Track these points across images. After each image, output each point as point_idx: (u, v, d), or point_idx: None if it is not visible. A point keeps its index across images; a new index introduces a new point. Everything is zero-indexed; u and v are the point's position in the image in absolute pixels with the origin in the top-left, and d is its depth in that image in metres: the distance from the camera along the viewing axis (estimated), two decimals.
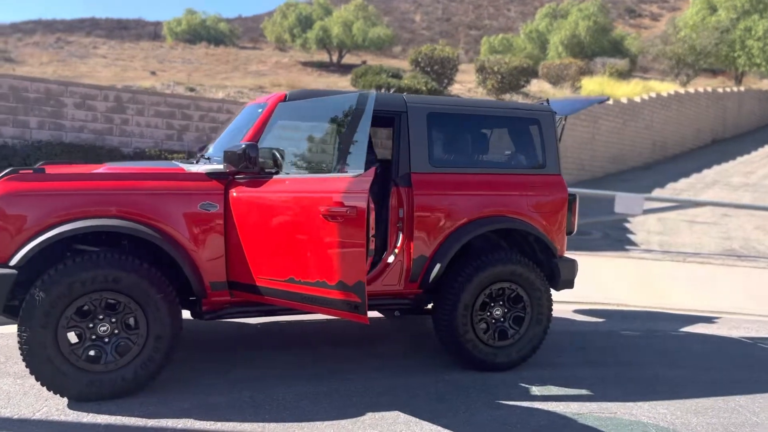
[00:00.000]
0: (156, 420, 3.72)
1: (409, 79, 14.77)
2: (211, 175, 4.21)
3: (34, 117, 8.82)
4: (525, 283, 4.86)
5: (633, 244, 11.92)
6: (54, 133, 8.93)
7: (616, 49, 35.49)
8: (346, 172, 3.72)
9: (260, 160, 4.16)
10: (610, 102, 7.11)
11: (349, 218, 3.57)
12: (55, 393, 3.83)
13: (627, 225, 13.13)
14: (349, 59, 41.57)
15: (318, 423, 3.79)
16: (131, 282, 3.87)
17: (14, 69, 30.78)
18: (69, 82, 9.66)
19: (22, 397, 3.95)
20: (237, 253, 4.14)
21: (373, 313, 5.29)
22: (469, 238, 4.73)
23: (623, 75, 22.99)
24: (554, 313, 6.82)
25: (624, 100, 19.81)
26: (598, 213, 12.55)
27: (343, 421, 3.84)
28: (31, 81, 8.97)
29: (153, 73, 33.74)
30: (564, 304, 7.40)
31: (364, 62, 34.69)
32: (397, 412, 4.02)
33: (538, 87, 20.42)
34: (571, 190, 5.33)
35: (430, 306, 4.91)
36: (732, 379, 5.06)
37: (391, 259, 4.66)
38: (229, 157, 4.09)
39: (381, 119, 4.95)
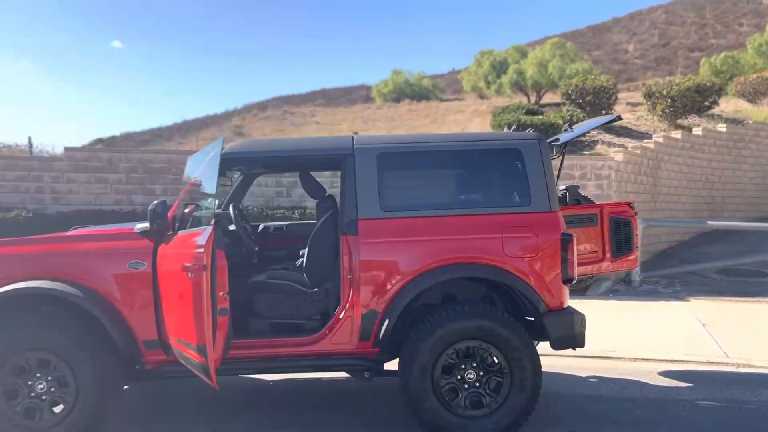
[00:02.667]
0: None
1: (553, 113, 13.82)
2: (144, 234, 4.27)
3: (159, 185, 9.90)
4: (498, 342, 4.10)
5: None
6: (177, 198, 9.89)
7: None
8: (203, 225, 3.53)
9: (197, 215, 4.13)
10: (621, 120, 5.70)
11: (197, 274, 3.35)
12: None
13: None
14: (550, 98, 40.36)
15: None
16: (57, 341, 4.03)
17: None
18: (187, 151, 10.69)
19: None
20: (162, 312, 4.11)
21: (341, 374, 4.85)
22: (421, 290, 4.16)
23: None
24: (631, 375, 5.73)
25: None
26: None
27: None
28: (155, 153, 10.13)
29: (355, 133, 36.01)
30: (651, 362, 6.14)
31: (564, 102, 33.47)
32: None
33: (734, 106, 17.71)
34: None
35: None
36: None
37: (342, 314, 4.26)
38: (148, 214, 4.13)
39: (329, 163, 4.67)
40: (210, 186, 3.60)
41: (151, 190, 9.89)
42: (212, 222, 3.45)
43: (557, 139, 4.90)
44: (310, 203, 10.38)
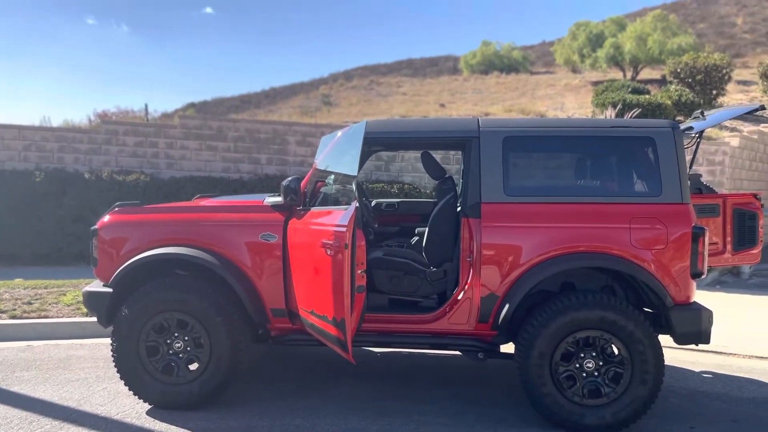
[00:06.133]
0: None
1: (660, 93, 13.24)
2: (275, 207, 4.46)
3: (264, 154, 10.24)
4: (621, 333, 4.06)
5: None
6: (280, 168, 10.23)
7: None
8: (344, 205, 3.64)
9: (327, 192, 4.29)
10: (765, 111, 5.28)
11: (337, 252, 3.48)
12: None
13: None
14: (648, 74, 38.56)
15: None
16: (195, 305, 4.30)
17: (329, 111, 35.50)
18: (292, 122, 10.97)
19: None
20: (291, 283, 4.31)
21: (455, 353, 4.94)
22: (543, 277, 4.16)
23: None
24: (747, 374, 5.55)
25: None
26: None
27: None
28: (261, 123, 10.44)
29: (442, 105, 35.80)
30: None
31: (663, 77, 31.94)
32: None
33: None
34: None
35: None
36: None
37: (460, 295, 4.33)
38: (281, 189, 4.30)
39: (453, 144, 4.70)
40: (352, 167, 3.71)
41: (257, 159, 10.24)
42: (355, 202, 3.56)
43: (691, 128, 4.72)
44: (407, 178, 10.49)
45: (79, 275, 8.38)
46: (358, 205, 3.57)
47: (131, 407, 4.45)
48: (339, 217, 3.61)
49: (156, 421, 4.24)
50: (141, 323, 4.34)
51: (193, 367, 4.42)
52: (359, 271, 3.56)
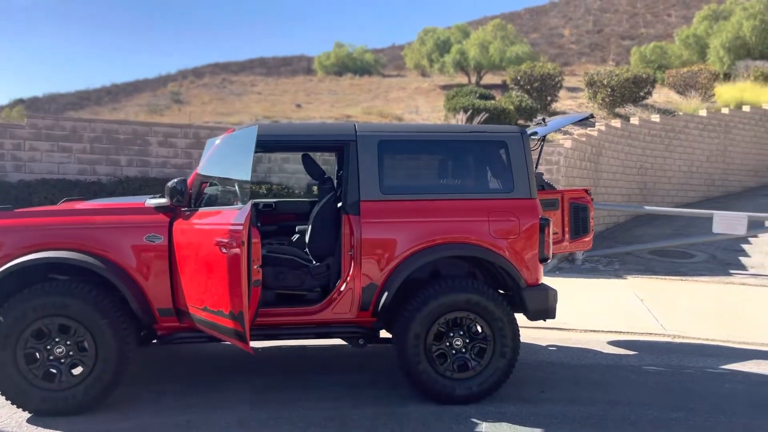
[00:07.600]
0: None
1: (503, 99, 14.49)
2: (159, 209, 4.54)
3: (124, 156, 9.94)
4: (484, 313, 4.63)
5: (742, 267, 10.62)
6: (141, 169, 9.99)
7: None
8: (237, 204, 3.87)
9: (209, 193, 4.43)
10: (593, 119, 6.43)
11: (231, 248, 3.70)
12: None
13: (744, 246, 11.71)
14: (490, 79, 41.27)
15: None
16: (78, 308, 4.27)
17: (180, 109, 34.24)
18: (153, 122, 10.75)
19: None
20: (178, 282, 4.41)
21: (338, 341, 5.30)
22: (418, 266, 4.63)
23: None
24: (584, 345, 6.42)
25: (766, 107, 17.75)
26: (706, 233, 11.35)
27: None
28: (119, 124, 10.13)
29: (299, 105, 35.91)
30: (600, 333, 6.87)
31: (504, 82, 34.32)
32: None
33: (665, 97, 18.90)
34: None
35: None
36: (740, 426, 4.41)
37: (343, 287, 4.68)
38: (167, 190, 4.40)
39: (332, 147, 5.04)
40: (245, 170, 3.92)
41: (116, 161, 9.91)
42: (250, 202, 3.78)
43: (536, 133, 5.43)
44: (275, 178, 10.67)
45: None
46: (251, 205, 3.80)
47: (9, 417, 4.33)
48: (234, 216, 3.81)
49: (38, 428, 4.18)
50: (19, 330, 4.24)
51: (77, 371, 4.38)
52: (255, 266, 3.79)
